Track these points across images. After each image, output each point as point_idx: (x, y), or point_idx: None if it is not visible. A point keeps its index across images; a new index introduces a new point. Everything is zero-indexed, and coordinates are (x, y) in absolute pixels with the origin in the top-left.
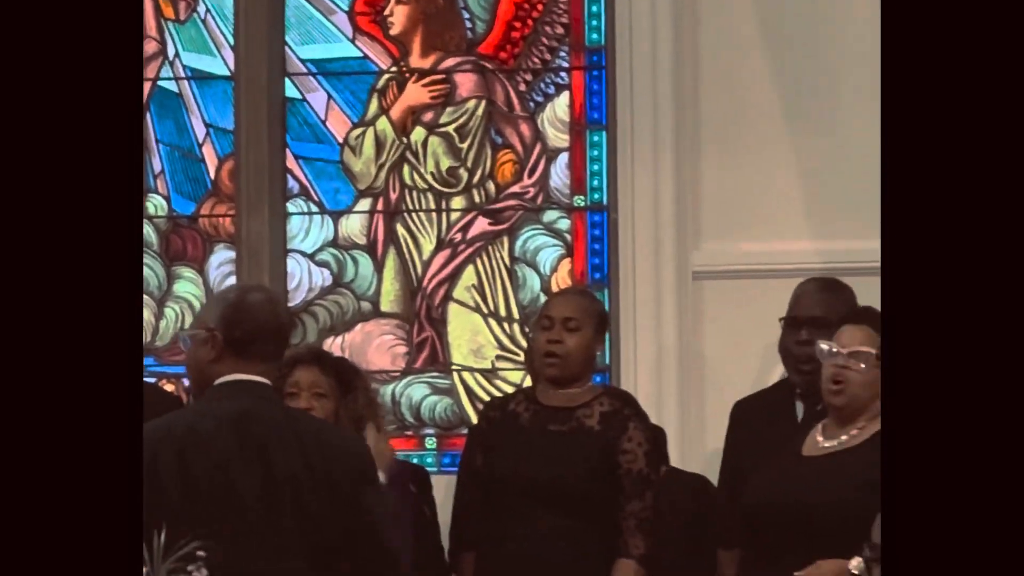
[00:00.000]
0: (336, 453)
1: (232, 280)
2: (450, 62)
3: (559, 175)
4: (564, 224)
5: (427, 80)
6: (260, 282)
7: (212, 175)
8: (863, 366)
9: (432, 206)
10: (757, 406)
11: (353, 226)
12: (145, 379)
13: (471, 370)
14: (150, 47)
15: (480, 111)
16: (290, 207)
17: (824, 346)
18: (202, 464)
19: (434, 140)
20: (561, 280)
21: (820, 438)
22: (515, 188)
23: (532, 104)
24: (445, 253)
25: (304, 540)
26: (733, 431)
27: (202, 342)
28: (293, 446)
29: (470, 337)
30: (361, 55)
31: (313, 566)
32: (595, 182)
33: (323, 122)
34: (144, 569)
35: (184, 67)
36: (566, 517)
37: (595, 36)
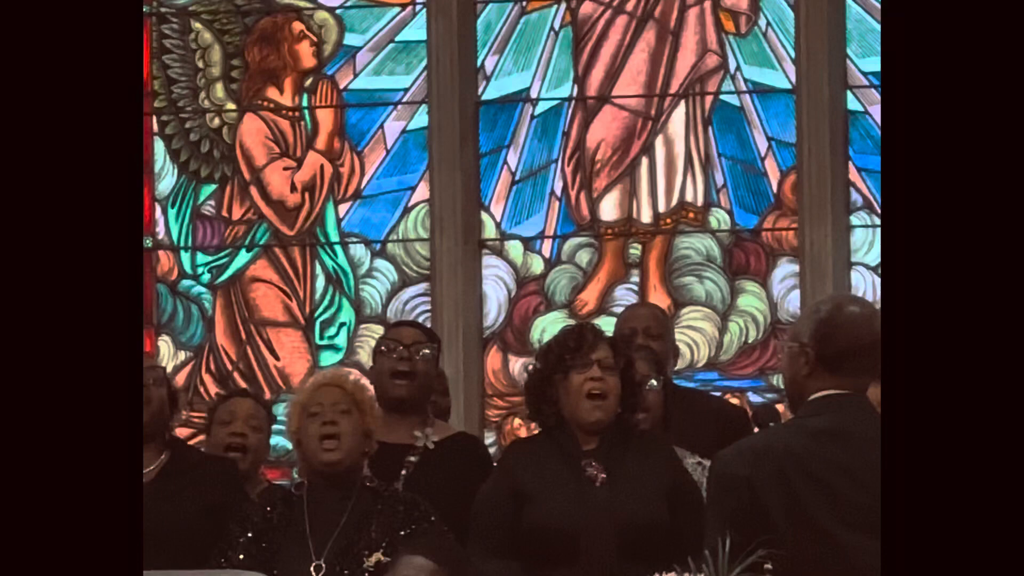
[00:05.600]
0: None
1: (796, 295)
2: None
3: None
4: None
5: None
6: (823, 295)
7: (775, 188)
8: None
9: None
10: None
11: None
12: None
13: None
14: (711, 61)
15: None
16: (853, 220)
17: None
18: (803, 480)
19: None
20: None
21: None
22: None
23: None
24: None
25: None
26: None
27: (794, 356)
28: None
29: None
30: None
31: None
32: None
33: None
34: None
35: (746, 81)
36: None
37: None
